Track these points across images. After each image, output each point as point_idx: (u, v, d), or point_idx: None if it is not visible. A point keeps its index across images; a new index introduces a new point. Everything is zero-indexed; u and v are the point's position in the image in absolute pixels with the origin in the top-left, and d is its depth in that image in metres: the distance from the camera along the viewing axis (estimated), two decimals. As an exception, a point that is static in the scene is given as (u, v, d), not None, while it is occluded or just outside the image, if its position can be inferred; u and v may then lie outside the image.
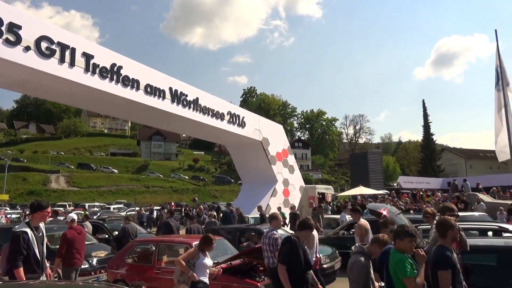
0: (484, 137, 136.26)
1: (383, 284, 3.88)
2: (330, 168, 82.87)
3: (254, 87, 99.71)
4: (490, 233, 7.45)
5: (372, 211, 7.04)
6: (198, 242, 5.43)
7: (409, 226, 3.67)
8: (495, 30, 9.28)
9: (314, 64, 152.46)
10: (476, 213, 13.41)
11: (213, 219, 12.69)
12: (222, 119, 15.96)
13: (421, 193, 23.38)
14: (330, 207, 21.93)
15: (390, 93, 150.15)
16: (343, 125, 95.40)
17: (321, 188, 26.10)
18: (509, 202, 16.27)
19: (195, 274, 5.02)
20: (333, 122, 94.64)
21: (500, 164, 63.60)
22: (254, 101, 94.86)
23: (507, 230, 7.14)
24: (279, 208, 16.03)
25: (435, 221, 4.41)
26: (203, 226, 11.37)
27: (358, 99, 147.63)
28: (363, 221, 6.74)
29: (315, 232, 6.26)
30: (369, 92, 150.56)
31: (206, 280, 5.17)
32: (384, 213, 6.69)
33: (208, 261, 5.27)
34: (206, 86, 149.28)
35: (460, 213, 13.28)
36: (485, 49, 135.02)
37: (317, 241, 6.56)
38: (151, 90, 12.49)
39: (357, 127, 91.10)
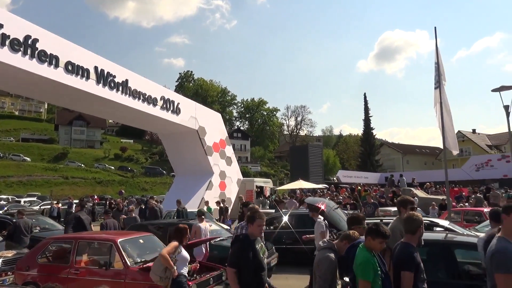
0: (421, 133, 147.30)
1: (347, 279, 3.91)
2: (269, 161, 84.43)
3: (192, 71, 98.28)
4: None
5: (310, 206, 7.30)
6: (127, 238, 5.33)
7: (384, 226, 3.71)
8: (435, 28, 9.95)
9: (257, 51, 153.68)
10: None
11: (133, 215, 12.35)
12: (155, 105, 15.57)
13: (359, 187, 24.68)
14: (269, 201, 22.37)
15: (334, 85, 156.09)
16: (284, 116, 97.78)
17: (259, 181, 26.54)
18: (441, 197, 17.77)
19: (176, 269, 5.30)
20: (274, 112, 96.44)
21: (434, 160, 69.43)
22: (191, 87, 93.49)
23: (437, 225, 7.77)
24: (206, 203, 16.17)
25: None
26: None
27: (300, 89, 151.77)
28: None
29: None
30: (313, 83, 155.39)
31: (186, 273, 5.46)
32: (322, 207, 6.98)
33: (186, 253, 5.50)
34: (138, 67, 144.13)
35: (395, 208, 14.32)
36: (425, 45, 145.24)
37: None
38: (73, 69, 11.80)
39: (299, 119, 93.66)
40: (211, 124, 19.69)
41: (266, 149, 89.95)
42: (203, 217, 8.45)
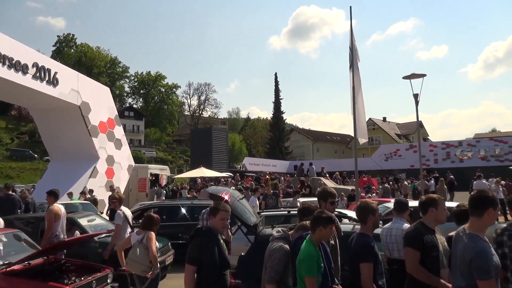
0: (334, 119, 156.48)
1: None
2: (167, 145, 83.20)
3: (74, 35, 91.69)
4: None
5: (212, 195, 7.39)
6: None
7: (326, 211, 3.80)
8: (350, 7, 10.49)
9: (155, 16, 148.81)
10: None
11: None
12: (25, 73, 14.49)
13: (266, 176, 25.58)
14: (165, 192, 22.23)
15: (242, 62, 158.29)
16: (185, 94, 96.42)
17: (154, 168, 26.16)
18: (350, 188, 19.18)
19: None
20: (174, 89, 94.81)
21: (345, 148, 74.54)
22: (72, 53, 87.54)
23: (345, 216, 8.38)
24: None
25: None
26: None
27: (205, 65, 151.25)
28: (56, 206, 7.61)
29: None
30: (219, 59, 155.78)
31: None
32: (226, 197, 7.11)
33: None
34: (3, 25, 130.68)
35: (305, 199, 15.13)
36: (341, 25, 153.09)
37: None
38: None
39: (202, 98, 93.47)
40: (97, 100, 19.01)
41: (164, 132, 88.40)
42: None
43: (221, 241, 4.17)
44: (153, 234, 5.91)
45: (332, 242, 4.28)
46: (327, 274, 3.68)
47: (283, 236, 4.03)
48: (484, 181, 19.24)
